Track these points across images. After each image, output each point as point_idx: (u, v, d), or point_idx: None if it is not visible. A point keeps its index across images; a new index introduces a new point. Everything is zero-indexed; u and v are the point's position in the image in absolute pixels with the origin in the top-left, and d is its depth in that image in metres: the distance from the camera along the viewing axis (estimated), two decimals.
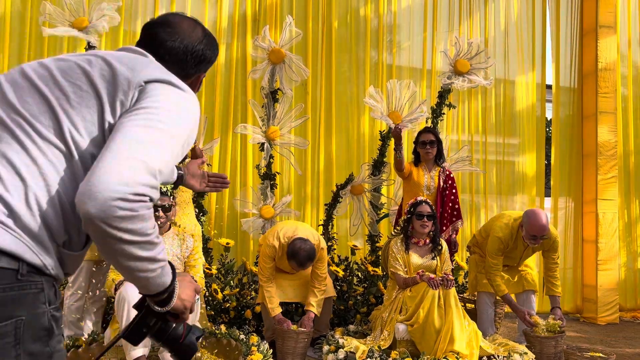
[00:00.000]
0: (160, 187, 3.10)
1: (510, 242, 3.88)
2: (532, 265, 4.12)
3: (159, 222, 3.17)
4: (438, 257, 3.63)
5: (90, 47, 4.18)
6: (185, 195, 3.81)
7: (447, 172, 4.26)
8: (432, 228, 3.66)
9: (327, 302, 3.94)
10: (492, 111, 6.01)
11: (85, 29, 4.08)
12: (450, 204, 4.22)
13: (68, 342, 3.23)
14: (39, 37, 4.60)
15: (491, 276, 3.84)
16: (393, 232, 3.92)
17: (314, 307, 3.67)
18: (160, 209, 3.16)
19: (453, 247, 4.17)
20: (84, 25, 4.07)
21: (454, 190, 4.24)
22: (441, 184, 4.21)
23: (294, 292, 3.88)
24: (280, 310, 3.65)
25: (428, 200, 3.77)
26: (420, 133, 4.30)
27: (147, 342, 2.85)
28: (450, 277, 3.39)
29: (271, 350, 3.24)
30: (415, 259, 3.61)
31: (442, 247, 3.67)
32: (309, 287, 3.78)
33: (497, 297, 4.19)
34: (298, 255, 3.54)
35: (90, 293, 3.57)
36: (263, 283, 3.70)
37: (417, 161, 4.32)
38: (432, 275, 3.41)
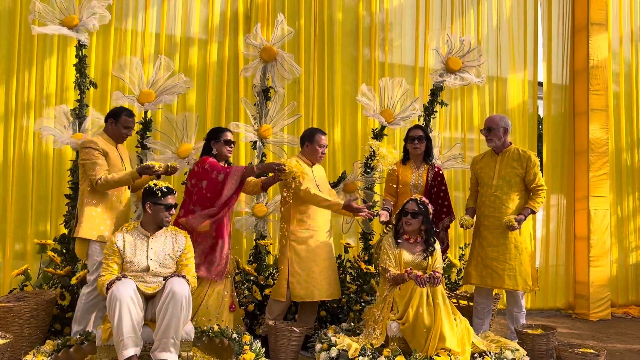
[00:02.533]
0: (163, 186, 3.12)
1: (478, 159, 4.27)
2: (526, 258, 3.96)
3: (167, 220, 3.18)
4: (430, 256, 3.61)
5: (80, 45, 4.15)
6: None
7: (436, 170, 4.27)
8: (421, 226, 3.64)
9: (313, 305, 3.97)
10: (485, 109, 6.03)
11: (76, 27, 4.05)
12: (440, 201, 4.22)
13: (59, 342, 3.22)
14: (29, 36, 4.57)
15: (468, 196, 4.37)
16: (385, 230, 3.92)
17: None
18: (173, 207, 3.17)
19: (442, 244, 4.17)
20: (74, 23, 4.04)
21: (443, 187, 4.24)
22: (429, 181, 4.21)
23: (329, 288, 3.88)
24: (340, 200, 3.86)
25: (419, 198, 3.73)
26: (409, 130, 4.31)
27: (138, 341, 2.84)
28: (437, 274, 3.39)
29: (264, 349, 3.23)
30: (406, 255, 3.61)
31: (434, 248, 3.65)
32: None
33: (494, 292, 4.20)
34: (315, 128, 3.95)
35: None
36: (308, 191, 3.74)
37: (405, 159, 4.32)
38: (420, 273, 3.41)
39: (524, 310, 4.05)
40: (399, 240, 3.65)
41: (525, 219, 3.91)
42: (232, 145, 3.81)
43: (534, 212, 3.97)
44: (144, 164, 3.46)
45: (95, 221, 3.48)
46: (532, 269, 4.02)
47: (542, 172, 6.19)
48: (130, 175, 3.45)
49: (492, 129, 4.05)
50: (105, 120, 3.73)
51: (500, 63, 6.09)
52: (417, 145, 4.20)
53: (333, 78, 5.53)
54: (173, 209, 3.19)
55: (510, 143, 4.11)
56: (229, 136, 3.79)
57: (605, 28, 6.06)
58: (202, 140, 4.49)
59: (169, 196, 3.18)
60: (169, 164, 3.46)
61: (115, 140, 3.72)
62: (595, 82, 5.94)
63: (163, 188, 3.17)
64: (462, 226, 4.09)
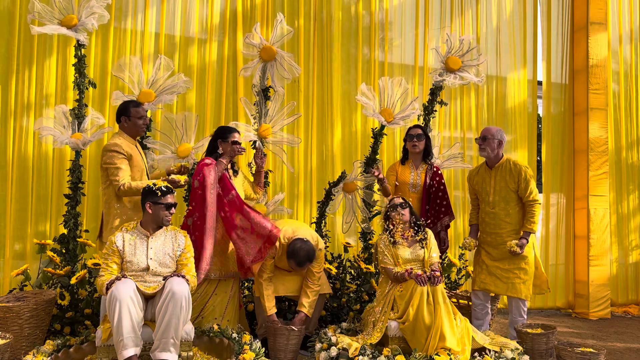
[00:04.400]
0: (162, 186, 3.13)
1: (474, 173, 4.22)
2: (532, 267, 3.95)
3: (167, 219, 3.18)
4: (425, 246, 3.68)
5: (79, 45, 4.15)
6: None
7: (435, 169, 4.28)
8: (412, 217, 3.76)
9: (320, 300, 3.96)
10: (484, 108, 6.03)
11: (74, 27, 4.05)
12: (438, 201, 4.23)
13: (59, 342, 3.22)
14: (28, 36, 4.56)
15: (470, 211, 4.33)
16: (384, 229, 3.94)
17: (306, 307, 3.71)
18: (173, 207, 3.18)
19: (442, 244, 4.18)
20: (73, 23, 4.04)
21: (441, 187, 4.25)
22: (428, 181, 4.23)
23: (295, 285, 3.88)
24: (275, 310, 3.69)
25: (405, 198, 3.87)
26: (409, 128, 4.34)
27: (138, 341, 2.84)
28: (437, 273, 3.41)
29: (263, 349, 3.23)
30: (403, 251, 3.65)
31: (426, 234, 3.73)
32: (302, 287, 3.80)
33: (491, 295, 4.19)
34: (298, 255, 3.59)
35: None
36: (262, 280, 3.72)
37: (405, 159, 4.34)
38: (420, 272, 3.43)
39: (525, 316, 3.99)
40: (393, 238, 3.69)
41: (527, 242, 3.89)
42: (238, 147, 3.78)
43: (533, 232, 3.93)
44: (169, 178, 3.49)
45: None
46: (539, 274, 4.03)
47: (541, 173, 6.24)
48: None
49: (487, 138, 4.01)
50: (118, 121, 3.71)
51: (499, 62, 6.09)
52: (416, 143, 4.21)
53: (332, 77, 5.52)
54: (173, 208, 3.20)
55: (502, 156, 4.06)
56: (237, 137, 3.79)
57: (604, 27, 6.05)
58: (202, 139, 4.50)
59: (169, 195, 3.18)
60: (182, 164, 3.63)
61: (135, 136, 3.73)
62: (594, 81, 5.94)
63: (162, 187, 3.17)
64: (465, 249, 4.12)
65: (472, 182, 4.21)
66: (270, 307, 3.66)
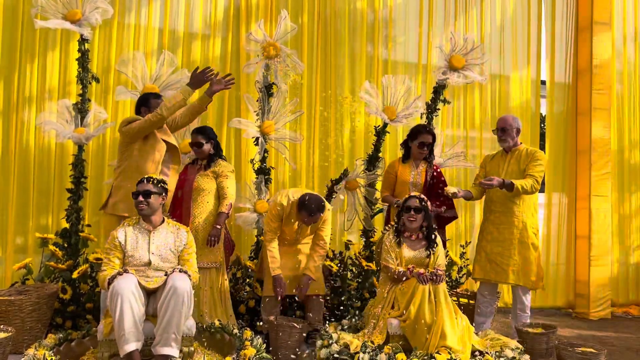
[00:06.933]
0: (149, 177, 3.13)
1: (489, 158, 4.24)
2: (532, 254, 3.91)
3: (139, 207, 3.14)
4: (432, 253, 3.61)
5: (83, 40, 4.15)
6: (206, 184, 3.93)
7: (434, 168, 4.28)
8: (424, 222, 3.64)
9: (318, 301, 3.99)
10: (487, 107, 6.01)
11: (78, 21, 4.05)
12: (442, 199, 4.22)
13: (61, 335, 3.23)
14: (31, 30, 4.56)
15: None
16: (386, 228, 3.93)
17: (312, 271, 3.86)
18: (141, 194, 3.13)
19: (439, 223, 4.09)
20: (77, 17, 4.04)
21: (441, 185, 4.24)
22: (428, 179, 4.22)
23: (290, 284, 3.90)
24: (281, 272, 3.81)
25: (418, 194, 3.73)
26: (420, 132, 4.26)
27: (139, 336, 2.85)
28: (440, 272, 3.40)
29: (265, 345, 3.24)
30: (407, 252, 3.61)
31: (436, 244, 3.65)
32: (310, 253, 3.95)
33: (497, 290, 4.18)
34: (309, 205, 3.73)
35: None
36: (267, 243, 3.86)
37: (405, 157, 4.32)
38: (422, 271, 3.42)
39: (528, 312, 3.97)
40: (400, 238, 3.65)
41: (495, 185, 3.75)
42: (195, 148, 3.98)
43: (511, 187, 3.76)
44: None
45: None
46: (537, 267, 3.98)
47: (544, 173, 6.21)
48: (185, 96, 3.55)
49: (506, 130, 4.04)
50: (137, 112, 3.71)
51: (503, 61, 6.07)
52: (426, 151, 4.22)
53: (336, 75, 5.52)
54: (141, 195, 3.13)
55: (521, 143, 4.10)
56: (192, 139, 4.01)
57: (609, 27, 6.03)
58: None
59: (139, 184, 3.17)
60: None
61: None
62: (598, 81, 5.92)
63: (144, 177, 3.20)
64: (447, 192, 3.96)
65: (486, 167, 4.21)
66: (275, 268, 3.79)
